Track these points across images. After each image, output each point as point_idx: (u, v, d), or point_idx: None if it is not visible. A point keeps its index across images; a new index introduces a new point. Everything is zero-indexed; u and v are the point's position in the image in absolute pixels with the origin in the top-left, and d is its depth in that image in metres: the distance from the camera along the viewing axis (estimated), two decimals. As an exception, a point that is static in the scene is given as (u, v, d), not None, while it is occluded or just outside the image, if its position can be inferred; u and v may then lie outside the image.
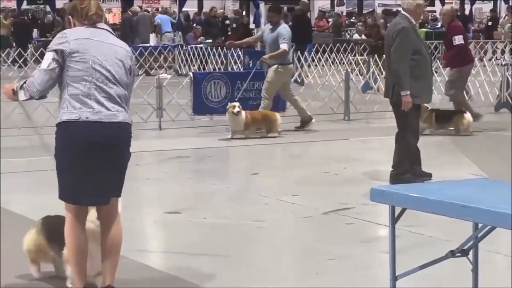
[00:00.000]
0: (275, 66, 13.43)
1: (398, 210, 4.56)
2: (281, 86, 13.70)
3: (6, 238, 6.80)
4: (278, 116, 13.19)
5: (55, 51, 5.16)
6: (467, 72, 13.74)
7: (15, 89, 5.26)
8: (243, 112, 12.76)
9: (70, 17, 5.39)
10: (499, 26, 34.15)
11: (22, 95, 5.24)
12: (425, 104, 13.15)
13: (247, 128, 12.86)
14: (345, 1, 46.68)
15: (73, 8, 5.36)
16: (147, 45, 26.34)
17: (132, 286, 5.62)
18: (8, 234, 6.90)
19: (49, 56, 5.18)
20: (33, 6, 38.95)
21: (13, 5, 37.08)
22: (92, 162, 5.13)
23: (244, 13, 34.19)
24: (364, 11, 43.11)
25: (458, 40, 13.13)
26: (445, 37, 14.36)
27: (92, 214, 5.38)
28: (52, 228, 5.63)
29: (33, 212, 7.44)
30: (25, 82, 5.24)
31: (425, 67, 9.14)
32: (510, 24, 32.23)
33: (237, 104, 12.83)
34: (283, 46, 13.36)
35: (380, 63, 18.57)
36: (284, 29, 13.63)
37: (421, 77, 9.01)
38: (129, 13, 28.44)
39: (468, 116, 13.20)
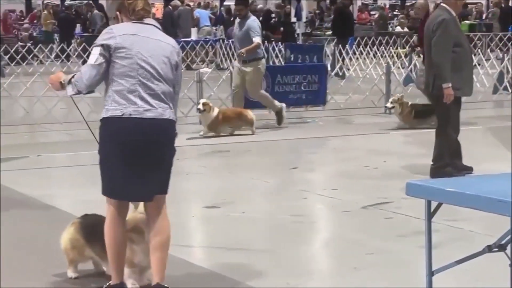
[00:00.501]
0: (252, 69, 13.14)
1: (434, 204, 4.53)
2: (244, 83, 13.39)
3: (49, 234, 6.85)
4: (252, 113, 12.99)
5: (102, 46, 5.18)
6: None
7: (62, 82, 5.29)
8: (216, 110, 12.64)
9: (118, 12, 5.41)
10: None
11: (70, 90, 5.26)
12: (406, 100, 13.31)
13: (218, 126, 12.67)
14: (388, -6, 46.44)
15: (120, 4, 5.38)
16: (189, 39, 26.40)
17: (171, 282, 5.64)
18: (51, 230, 6.92)
19: (96, 51, 5.19)
20: (77, 1, 39.29)
21: (57, 0, 37.44)
22: (135, 158, 5.13)
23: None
24: (407, 4, 42.83)
25: None
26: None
27: (141, 207, 5.40)
28: (91, 228, 5.63)
29: (76, 207, 7.52)
30: (73, 77, 5.26)
31: (466, 60, 9.06)
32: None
33: (202, 101, 12.74)
34: (256, 40, 13.02)
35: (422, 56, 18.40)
36: (254, 22, 13.26)
37: (462, 69, 8.93)
38: (170, 7, 28.52)
39: None
